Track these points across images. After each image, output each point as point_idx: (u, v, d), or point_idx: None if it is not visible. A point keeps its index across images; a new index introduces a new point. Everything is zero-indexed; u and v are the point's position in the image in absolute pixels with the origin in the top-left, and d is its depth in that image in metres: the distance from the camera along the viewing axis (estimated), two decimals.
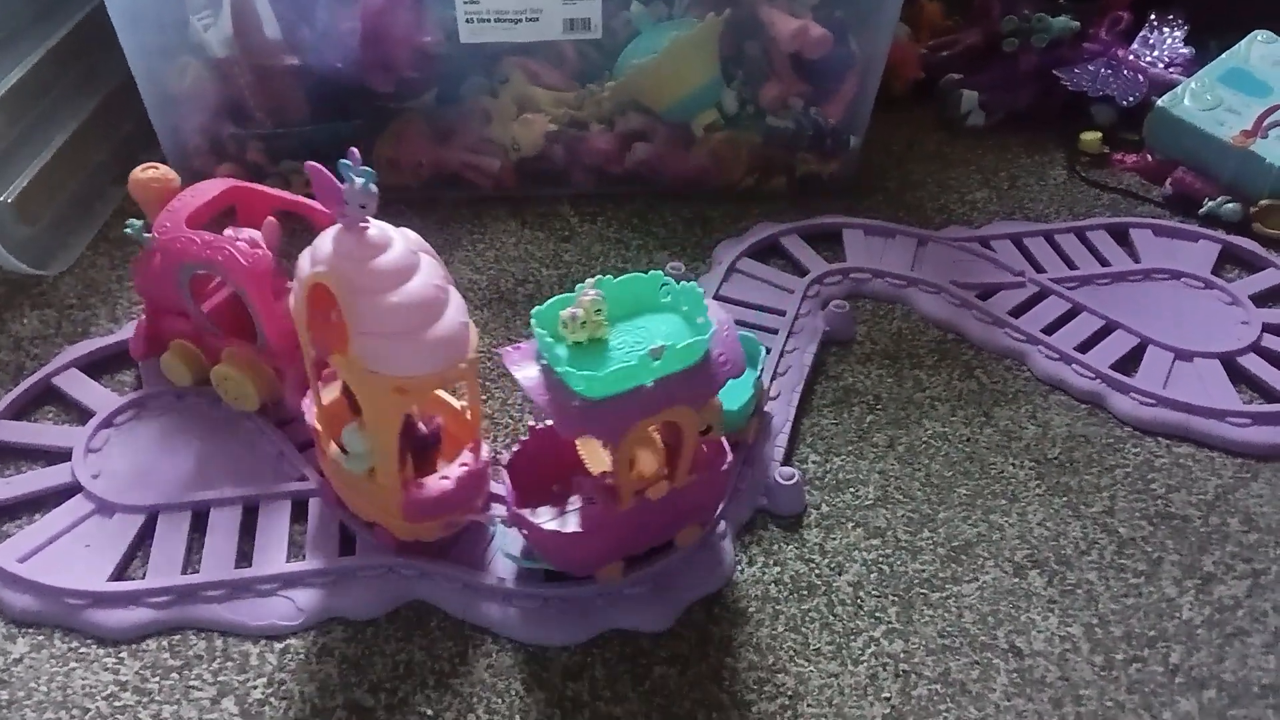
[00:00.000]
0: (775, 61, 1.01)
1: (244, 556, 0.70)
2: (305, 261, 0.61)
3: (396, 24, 0.92)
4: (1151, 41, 1.19)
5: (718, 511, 0.71)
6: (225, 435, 0.78)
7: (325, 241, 0.60)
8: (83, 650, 0.65)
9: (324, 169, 0.58)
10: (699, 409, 0.63)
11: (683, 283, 0.64)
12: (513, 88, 1.00)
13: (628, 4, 0.97)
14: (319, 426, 0.69)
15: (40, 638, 0.66)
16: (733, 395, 0.73)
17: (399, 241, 0.61)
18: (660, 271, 0.65)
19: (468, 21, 0.93)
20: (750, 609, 0.68)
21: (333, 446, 0.68)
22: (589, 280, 0.62)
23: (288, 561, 0.69)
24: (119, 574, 0.69)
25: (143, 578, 0.68)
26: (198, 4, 0.92)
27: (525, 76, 1.00)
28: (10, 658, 0.65)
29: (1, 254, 0.86)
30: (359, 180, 0.57)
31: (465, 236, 1.00)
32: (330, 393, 0.72)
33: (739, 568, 0.71)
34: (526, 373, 0.61)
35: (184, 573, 0.68)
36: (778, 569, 0.71)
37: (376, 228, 0.60)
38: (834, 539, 0.73)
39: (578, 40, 0.97)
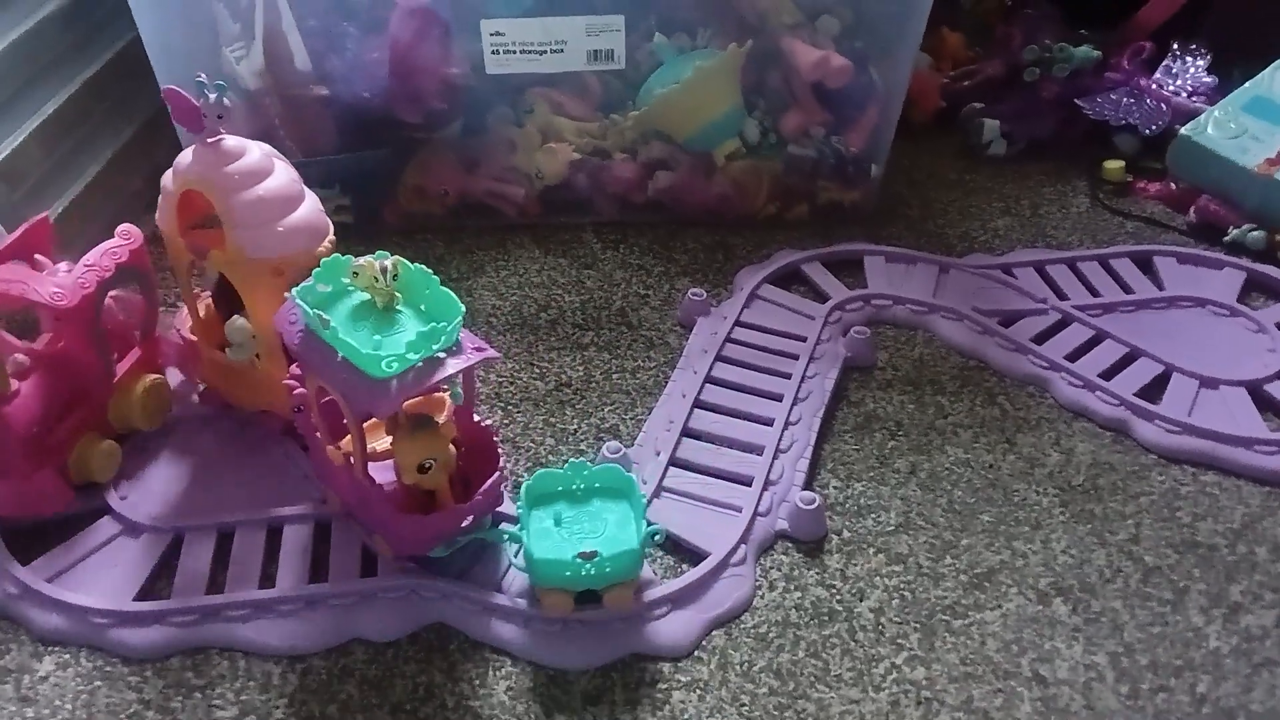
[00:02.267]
0: (797, 91, 1.02)
1: (267, 577, 0.70)
2: (169, 179, 0.71)
3: (424, 56, 0.94)
4: (1174, 70, 1.19)
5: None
6: (250, 458, 0.79)
7: (188, 156, 0.70)
8: (108, 668, 0.66)
9: (180, 90, 0.68)
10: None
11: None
12: (537, 117, 1.01)
13: (651, 35, 0.98)
14: (194, 337, 0.79)
15: (67, 656, 0.66)
16: (619, 536, 0.68)
17: (254, 147, 0.71)
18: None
19: (494, 53, 0.95)
20: (771, 634, 0.68)
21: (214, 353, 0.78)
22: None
23: (310, 583, 0.69)
24: (144, 594, 0.69)
25: (168, 597, 0.69)
26: (230, 36, 0.94)
27: (549, 106, 1.01)
28: (37, 675, 0.65)
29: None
30: (213, 95, 0.67)
31: (489, 263, 1.01)
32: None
33: (759, 592, 0.71)
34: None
35: (208, 593, 0.69)
36: (799, 594, 0.71)
37: (232, 138, 0.70)
38: (855, 565, 0.73)
39: (601, 71, 0.99)
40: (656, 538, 0.69)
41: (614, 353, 0.91)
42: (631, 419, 0.84)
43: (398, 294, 0.66)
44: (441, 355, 0.63)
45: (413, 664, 0.66)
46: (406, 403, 0.66)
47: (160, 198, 0.74)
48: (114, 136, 1.02)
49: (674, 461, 0.78)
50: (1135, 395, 0.84)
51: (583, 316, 0.95)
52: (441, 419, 0.70)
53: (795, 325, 0.91)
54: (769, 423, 0.81)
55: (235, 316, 0.78)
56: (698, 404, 0.83)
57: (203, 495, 0.76)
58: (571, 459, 0.73)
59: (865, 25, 1.01)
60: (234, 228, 0.70)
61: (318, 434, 0.70)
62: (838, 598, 0.71)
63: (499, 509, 0.72)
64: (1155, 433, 0.82)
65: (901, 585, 0.71)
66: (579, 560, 0.65)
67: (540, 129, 1.02)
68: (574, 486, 0.71)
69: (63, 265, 0.74)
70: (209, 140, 0.70)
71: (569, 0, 0.94)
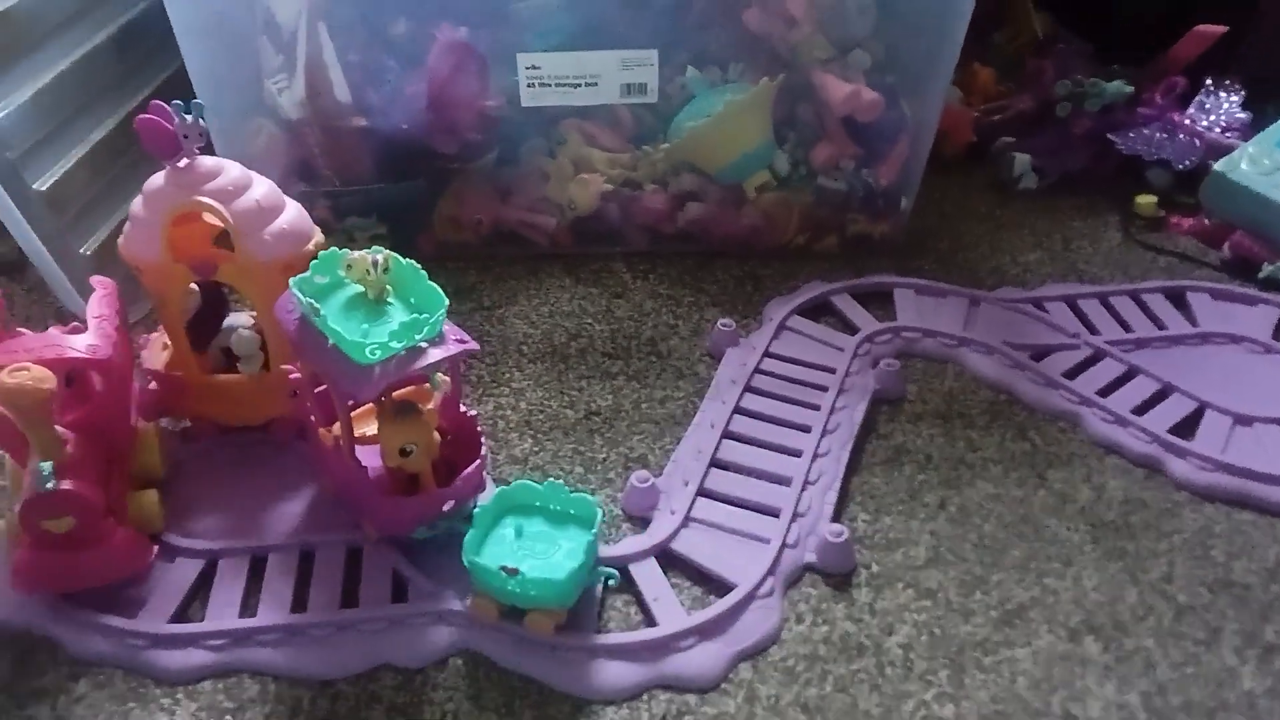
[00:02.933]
0: (828, 124, 1.03)
1: (299, 601, 0.71)
2: (147, 207, 0.72)
3: (462, 89, 0.96)
4: (1208, 106, 1.19)
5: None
6: (284, 481, 0.79)
7: (164, 183, 0.72)
8: (141, 690, 0.67)
9: (158, 113, 0.70)
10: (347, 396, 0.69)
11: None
12: (570, 149, 1.03)
13: (683, 69, 1.00)
14: (177, 372, 0.79)
15: (101, 677, 0.67)
16: (555, 563, 0.69)
17: (226, 162, 0.73)
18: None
19: (529, 86, 0.96)
20: (798, 668, 0.68)
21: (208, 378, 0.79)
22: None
23: (341, 607, 0.70)
24: (179, 616, 0.70)
25: (201, 620, 0.70)
26: (273, 67, 0.96)
27: (582, 138, 1.03)
28: (72, 696, 0.66)
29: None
30: (189, 117, 0.69)
31: (521, 292, 1.02)
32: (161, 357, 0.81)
33: (787, 625, 0.71)
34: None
35: (241, 616, 0.70)
36: (826, 628, 0.71)
37: (204, 158, 0.72)
38: (884, 599, 0.72)
39: (633, 103, 1.00)
40: (611, 582, 0.71)
41: (643, 382, 0.91)
42: (660, 448, 0.84)
43: (389, 286, 0.70)
44: (424, 345, 0.66)
45: (441, 691, 0.66)
46: (396, 392, 0.73)
47: (132, 229, 0.74)
48: (156, 164, 1.04)
49: (702, 491, 0.78)
50: (1168, 432, 0.84)
51: (612, 345, 0.96)
52: (428, 408, 0.73)
53: (824, 357, 0.92)
54: (798, 454, 0.81)
55: (239, 330, 0.80)
56: (726, 434, 0.83)
57: (236, 519, 0.76)
58: (592, 488, 0.73)
59: (896, 60, 1.01)
60: (243, 236, 0.72)
61: (312, 417, 0.74)
62: (866, 632, 0.70)
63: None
64: (1188, 470, 0.81)
65: (931, 620, 0.71)
66: (501, 573, 0.67)
67: (572, 160, 1.03)
68: (551, 506, 0.73)
69: (26, 331, 0.71)
70: (181, 164, 0.72)
71: (603, 34, 0.95)
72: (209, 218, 0.74)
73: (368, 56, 0.95)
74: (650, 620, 0.70)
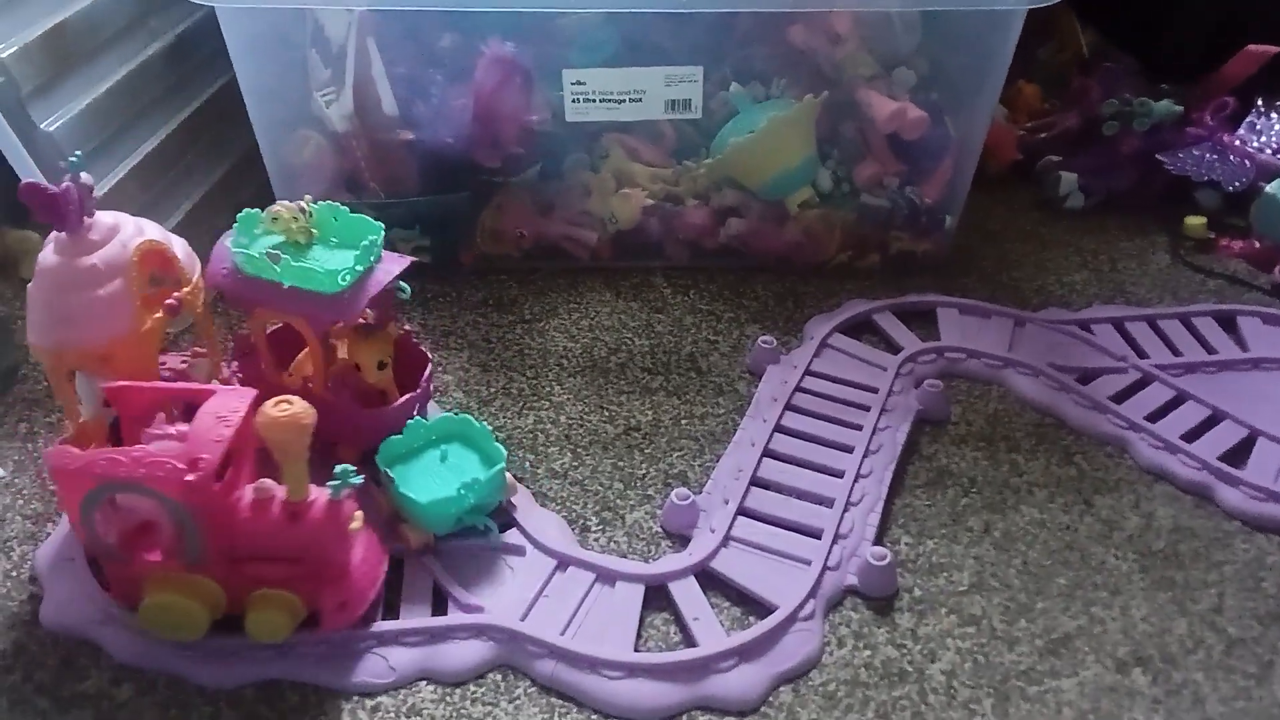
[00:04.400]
0: (872, 142, 1.02)
1: None
2: (103, 285, 0.67)
3: (506, 103, 0.96)
4: (1259, 127, 1.17)
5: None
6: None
7: (70, 253, 0.67)
8: (183, 697, 0.67)
9: (38, 186, 0.65)
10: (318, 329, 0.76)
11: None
12: (612, 163, 1.03)
13: (726, 84, 1.00)
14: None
15: (145, 682, 0.68)
16: (430, 488, 0.75)
17: (122, 215, 0.71)
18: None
19: (574, 101, 0.97)
20: (839, 692, 0.67)
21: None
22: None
23: (382, 619, 0.70)
24: (223, 625, 0.70)
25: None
26: (322, 80, 0.97)
27: (624, 152, 1.03)
28: (115, 701, 0.67)
29: None
30: (66, 179, 0.65)
31: (562, 305, 1.02)
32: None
33: (828, 649, 0.70)
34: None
35: None
36: (868, 653, 0.70)
37: (102, 215, 0.69)
38: (927, 624, 0.72)
39: (677, 119, 1.00)
40: (489, 532, 0.75)
41: (683, 398, 0.91)
42: (700, 465, 0.84)
43: (314, 230, 0.77)
44: (376, 264, 0.76)
45: (479, 705, 0.66)
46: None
47: (83, 314, 0.68)
48: (206, 175, 1.06)
49: (742, 510, 0.78)
50: (1219, 459, 0.82)
51: (652, 361, 0.95)
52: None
53: (867, 376, 0.91)
54: (839, 474, 0.81)
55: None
56: (767, 453, 0.83)
57: None
58: (631, 504, 0.74)
59: (942, 77, 1.01)
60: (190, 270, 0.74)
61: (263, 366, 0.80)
62: (908, 658, 0.69)
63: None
64: (1239, 499, 0.80)
65: (974, 648, 0.70)
66: (387, 475, 0.74)
67: (614, 174, 1.03)
68: (484, 447, 0.78)
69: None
70: (76, 232, 0.67)
71: (647, 50, 0.96)
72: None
73: (415, 70, 0.96)
74: (690, 640, 0.69)
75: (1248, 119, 1.17)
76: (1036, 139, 1.21)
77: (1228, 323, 0.99)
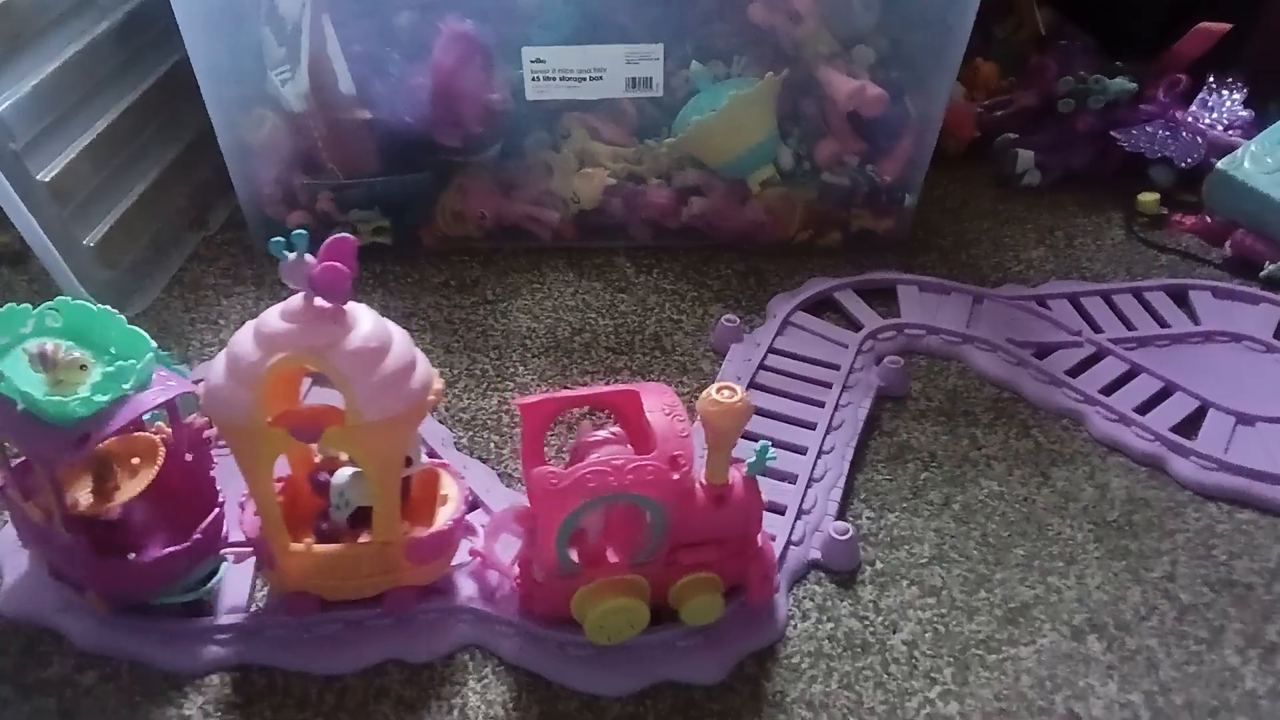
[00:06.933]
0: (832, 120, 1.02)
1: None
2: (254, 348, 0.58)
3: (466, 82, 0.95)
4: (1210, 104, 1.19)
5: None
6: None
7: (287, 324, 0.59)
8: (148, 683, 0.67)
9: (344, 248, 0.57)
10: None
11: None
12: (573, 143, 1.03)
13: (687, 62, 0.99)
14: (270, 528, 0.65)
15: (109, 669, 0.67)
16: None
17: (363, 309, 0.61)
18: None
19: (534, 80, 0.96)
20: (803, 664, 0.68)
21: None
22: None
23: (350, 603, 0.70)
24: (189, 610, 0.70)
25: (211, 615, 0.70)
26: (276, 59, 0.95)
27: (586, 132, 1.02)
28: (80, 687, 0.66)
29: (82, 295, 0.90)
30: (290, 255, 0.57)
31: (524, 286, 1.02)
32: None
33: (792, 622, 0.71)
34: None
35: (249, 611, 0.70)
36: (831, 625, 0.71)
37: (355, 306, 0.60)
38: (889, 596, 0.73)
39: (638, 97, 1.00)
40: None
41: (647, 377, 0.91)
42: None
43: (77, 363, 0.62)
44: (133, 394, 0.61)
45: (448, 685, 0.67)
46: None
47: (226, 375, 0.59)
48: (160, 155, 1.04)
49: None
50: (1171, 431, 0.84)
51: (616, 340, 0.96)
52: (155, 459, 0.67)
53: (829, 353, 0.92)
54: (802, 451, 0.82)
55: (341, 472, 0.68)
56: None
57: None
58: None
59: (901, 55, 1.01)
60: (355, 391, 0.60)
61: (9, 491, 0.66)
62: (871, 630, 0.71)
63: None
64: (1191, 469, 0.82)
65: (935, 618, 0.71)
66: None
67: (576, 154, 1.03)
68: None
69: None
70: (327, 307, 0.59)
71: (608, 28, 0.95)
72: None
73: (371, 48, 0.95)
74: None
75: (1200, 96, 1.19)
76: (994, 117, 1.23)
77: (1180, 297, 1.01)
